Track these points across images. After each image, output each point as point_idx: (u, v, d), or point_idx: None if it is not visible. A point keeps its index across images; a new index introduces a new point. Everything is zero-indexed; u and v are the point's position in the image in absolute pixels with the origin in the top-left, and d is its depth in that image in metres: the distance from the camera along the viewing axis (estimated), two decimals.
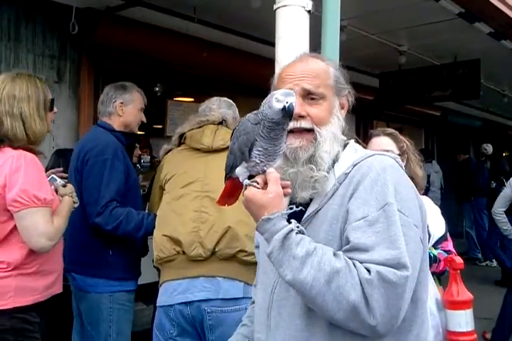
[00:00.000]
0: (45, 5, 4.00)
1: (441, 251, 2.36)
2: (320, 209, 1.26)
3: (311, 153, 1.29)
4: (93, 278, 2.55)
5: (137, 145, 3.70)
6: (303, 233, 1.19)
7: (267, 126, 1.22)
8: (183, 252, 2.28)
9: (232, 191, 1.36)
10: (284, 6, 2.31)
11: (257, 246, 1.50)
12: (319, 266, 1.12)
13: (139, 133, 2.93)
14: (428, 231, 1.62)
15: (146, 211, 2.69)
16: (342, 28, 3.04)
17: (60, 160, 3.23)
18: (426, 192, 6.98)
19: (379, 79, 6.76)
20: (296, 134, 1.31)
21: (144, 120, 2.80)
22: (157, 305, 2.36)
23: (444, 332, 2.25)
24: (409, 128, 8.97)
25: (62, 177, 2.29)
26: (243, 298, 2.22)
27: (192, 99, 5.76)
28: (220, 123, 2.50)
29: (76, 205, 2.23)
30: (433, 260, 2.26)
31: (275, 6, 2.34)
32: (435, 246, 2.37)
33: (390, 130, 2.54)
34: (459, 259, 2.31)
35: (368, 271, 1.10)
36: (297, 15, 2.30)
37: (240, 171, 1.28)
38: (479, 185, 7.92)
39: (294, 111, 1.22)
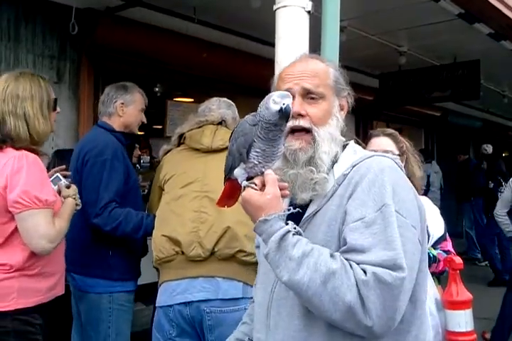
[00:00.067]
0: (45, 5, 4.00)
1: (441, 252, 2.36)
2: (319, 210, 1.27)
3: (311, 154, 1.29)
4: (93, 278, 2.55)
5: (137, 145, 3.70)
6: (300, 234, 1.19)
7: (265, 127, 1.22)
8: (182, 252, 2.27)
9: (232, 192, 1.36)
10: (284, 6, 2.31)
11: (258, 246, 1.51)
12: (315, 266, 1.12)
13: (138, 133, 2.92)
14: (427, 231, 1.62)
15: (146, 211, 2.69)
16: (342, 29, 3.05)
17: (59, 160, 3.23)
18: (426, 192, 7.01)
19: (379, 79, 6.76)
20: (296, 136, 1.31)
21: (145, 121, 2.80)
22: (156, 305, 2.36)
23: (443, 332, 2.25)
24: (409, 129, 8.97)
25: (65, 176, 2.28)
26: (242, 298, 2.22)
27: (192, 100, 5.76)
28: (220, 123, 2.50)
29: (78, 207, 2.21)
30: (432, 260, 2.26)
31: (275, 7, 2.35)
32: (434, 246, 2.37)
33: (390, 130, 2.54)
34: (458, 259, 2.31)
35: (364, 272, 1.10)
36: (297, 16, 2.31)
37: (239, 172, 1.28)
38: (479, 186, 7.92)
39: (294, 110, 1.23)
